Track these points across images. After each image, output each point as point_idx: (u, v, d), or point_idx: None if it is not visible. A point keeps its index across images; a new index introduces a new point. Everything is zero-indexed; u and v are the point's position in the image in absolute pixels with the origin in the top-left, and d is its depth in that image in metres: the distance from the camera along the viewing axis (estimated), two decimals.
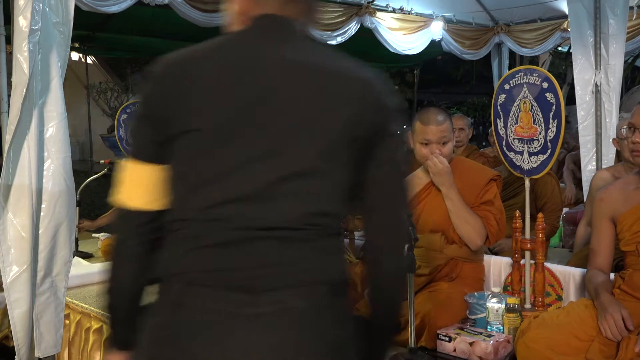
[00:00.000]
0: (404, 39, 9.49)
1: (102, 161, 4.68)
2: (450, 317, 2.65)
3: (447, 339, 2.54)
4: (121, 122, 4.93)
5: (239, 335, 1.19)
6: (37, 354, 2.35)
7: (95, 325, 2.79)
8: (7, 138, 2.21)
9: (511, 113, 2.81)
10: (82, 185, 4.48)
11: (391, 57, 10.12)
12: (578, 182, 5.94)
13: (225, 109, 1.25)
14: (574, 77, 5.34)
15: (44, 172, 2.30)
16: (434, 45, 9.91)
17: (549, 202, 3.88)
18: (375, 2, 8.76)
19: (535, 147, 2.74)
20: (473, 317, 2.71)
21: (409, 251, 2.50)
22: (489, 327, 2.62)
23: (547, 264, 2.88)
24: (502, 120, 2.87)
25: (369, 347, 1.41)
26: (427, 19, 9.54)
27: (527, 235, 2.82)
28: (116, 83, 11.32)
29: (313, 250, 1.26)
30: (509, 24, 10.39)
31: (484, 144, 12.09)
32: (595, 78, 5.21)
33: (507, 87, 2.82)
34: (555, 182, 4.00)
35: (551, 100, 2.64)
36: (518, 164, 2.84)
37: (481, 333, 2.54)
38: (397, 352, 2.57)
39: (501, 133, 2.89)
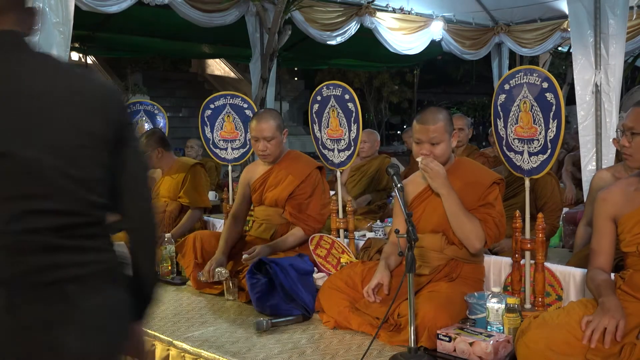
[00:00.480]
0: (404, 39, 9.48)
1: None
2: (450, 317, 2.65)
3: (447, 339, 2.54)
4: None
5: None
6: None
7: None
8: None
9: (511, 113, 2.82)
10: None
11: (391, 57, 10.13)
12: (578, 182, 5.94)
13: None
14: (574, 77, 5.34)
15: None
16: (434, 45, 9.92)
17: (549, 202, 3.88)
18: (375, 2, 8.75)
19: (535, 147, 2.74)
20: (473, 317, 2.71)
21: (408, 251, 2.52)
22: (489, 327, 2.62)
23: (547, 264, 2.88)
24: (502, 120, 2.87)
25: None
26: (427, 19, 9.54)
27: (527, 235, 2.82)
28: (116, 83, 11.31)
29: None
30: (509, 24, 10.39)
31: (484, 144, 12.11)
32: (595, 78, 5.21)
33: (507, 87, 2.83)
34: (555, 182, 4.00)
35: (551, 100, 2.65)
36: (518, 164, 2.84)
37: (481, 333, 2.54)
38: (398, 352, 2.57)
39: (501, 133, 2.89)
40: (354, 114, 3.39)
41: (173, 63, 13.51)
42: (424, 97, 16.46)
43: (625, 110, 5.27)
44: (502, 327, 2.59)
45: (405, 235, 2.51)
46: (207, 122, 4.13)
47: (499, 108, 2.87)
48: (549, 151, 2.69)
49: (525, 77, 2.74)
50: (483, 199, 2.87)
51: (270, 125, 3.51)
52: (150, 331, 2.94)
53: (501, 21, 10.38)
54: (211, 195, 5.33)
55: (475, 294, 2.77)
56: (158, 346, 2.90)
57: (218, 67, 14.47)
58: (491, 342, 2.45)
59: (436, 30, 9.63)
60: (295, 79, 17.01)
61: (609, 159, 5.18)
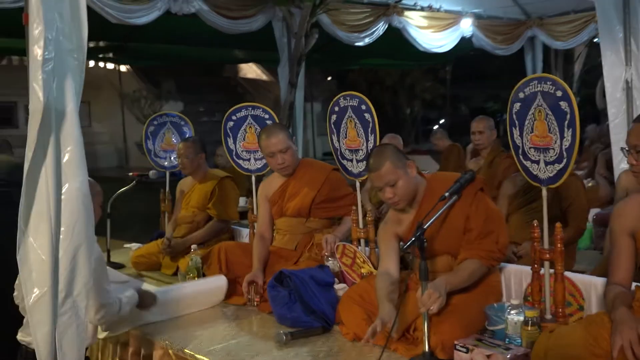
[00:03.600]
0: (433, 37, 9.41)
1: (130, 174, 4.78)
2: (466, 328, 2.64)
3: (464, 349, 2.53)
4: (148, 134, 5.02)
5: None
6: None
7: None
8: (25, 166, 2.28)
9: (527, 121, 2.78)
10: (112, 198, 4.60)
11: (422, 55, 10.03)
12: (612, 181, 5.82)
13: None
14: (604, 73, 5.22)
15: (62, 197, 2.37)
16: (464, 41, 9.82)
17: (574, 203, 3.81)
18: (403, 2, 8.70)
19: (551, 156, 2.70)
20: (492, 328, 2.69)
21: (421, 260, 2.53)
22: (507, 339, 2.60)
23: (568, 274, 2.84)
24: (517, 128, 2.83)
25: None
26: (456, 16, 9.45)
27: (546, 245, 2.79)
28: (150, 91, 11.52)
29: None
30: (541, 17, 10.21)
31: None
32: (625, 74, 5.08)
33: (521, 95, 2.79)
34: (580, 183, 3.93)
35: (565, 109, 2.60)
36: (535, 173, 2.80)
37: (499, 345, 2.52)
38: (413, 356, 2.58)
39: (517, 142, 2.85)
40: (370, 124, 3.40)
41: (205, 68, 13.67)
42: (459, 92, 16.31)
43: None
44: (520, 340, 2.56)
45: (416, 243, 2.52)
46: (230, 134, 4.18)
47: (514, 116, 2.84)
48: (564, 160, 2.64)
49: (539, 85, 2.70)
50: (470, 236, 2.82)
51: (281, 138, 3.55)
52: (170, 342, 3.01)
53: (533, 14, 10.20)
54: (242, 201, 5.38)
55: (495, 305, 2.74)
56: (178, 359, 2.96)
57: (250, 70, 14.59)
58: (509, 355, 2.43)
59: (466, 27, 9.53)
60: (329, 78, 17.01)
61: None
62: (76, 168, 2.42)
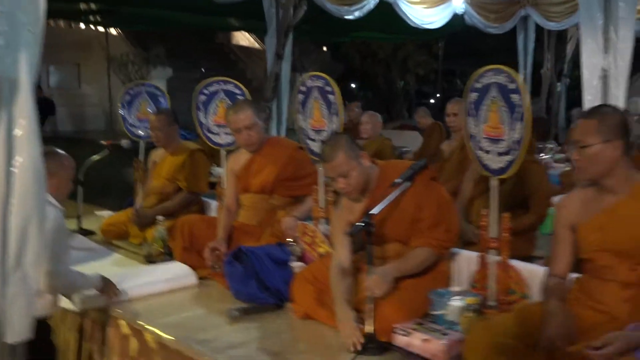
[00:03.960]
0: (424, 13, 9.36)
1: (102, 142, 4.80)
2: (409, 313, 2.71)
3: (403, 332, 2.60)
4: (124, 103, 5.03)
5: None
6: (8, 340, 2.50)
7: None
8: None
9: (482, 112, 2.81)
10: (84, 166, 4.64)
11: (414, 29, 9.94)
12: None
13: None
14: (582, 60, 5.23)
15: (14, 170, 2.40)
16: (456, 18, 9.76)
17: (536, 190, 3.84)
18: None
19: (501, 148, 2.73)
20: (435, 313, 2.75)
21: (368, 243, 2.59)
22: (447, 325, 2.66)
23: (515, 262, 2.89)
24: (473, 118, 2.86)
25: None
26: None
27: (494, 233, 2.84)
28: (138, 55, 11.44)
29: None
30: None
31: None
32: (603, 62, 5.09)
33: (478, 85, 2.81)
34: (541, 170, 3.96)
35: (517, 102, 2.63)
36: (486, 162, 2.84)
37: (438, 330, 2.59)
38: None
39: (472, 131, 2.89)
40: (334, 106, 3.42)
41: (197, 34, 13.55)
42: (453, 67, 16.27)
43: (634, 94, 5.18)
44: (459, 326, 2.63)
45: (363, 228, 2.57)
46: (202, 107, 4.19)
47: (471, 106, 2.86)
48: (514, 152, 2.68)
49: (495, 76, 2.72)
50: (421, 225, 2.86)
51: (248, 114, 3.58)
52: (123, 312, 3.07)
53: None
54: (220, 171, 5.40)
55: (441, 290, 2.80)
56: (132, 330, 3.02)
57: (243, 38, 14.48)
58: (444, 341, 2.50)
59: (458, 4, 9.47)
60: (325, 49, 16.90)
61: None
62: (29, 142, 2.44)
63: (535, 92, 12.56)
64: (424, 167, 2.88)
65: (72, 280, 2.91)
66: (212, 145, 4.25)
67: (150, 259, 3.93)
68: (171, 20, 9.92)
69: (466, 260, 3.10)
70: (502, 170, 2.77)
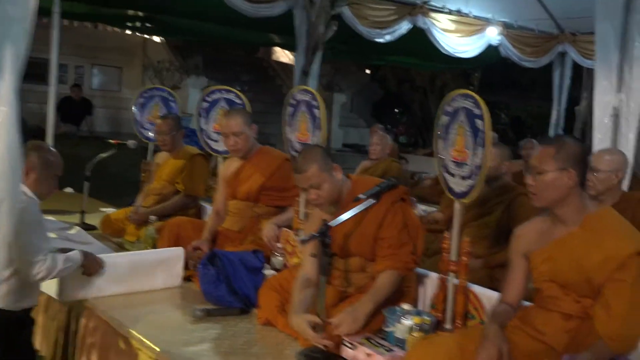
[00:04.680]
0: (458, 42, 9.36)
1: (111, 141, 4.98)
2: (364, 327, 2.73)
3: (350, 345, 2.63)
4: (138, 105, 5.21)
5: None
6: None
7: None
8: None
9: (451, 135, 2.84)
10: (92, 163, 4.81)
11: (449, 58, 9.97)
12: None
13: None
14: (595, 98, 5.18)
15: None
16: (491, 49, 9.75)
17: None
18: (431, 2, 8.67)
19: (465, 172, 2.76)
20: (386, 329, 2.77)
21: (323, 255, 2.63)
22: (396, 342, 2.68)
23: (474, 287, 2.90)
24: (443, 141, 2.90)
25: None
26: (484, 23, 9.37)
27: (454, 257, 2.85)
28: (174, 63, 11.76)
29: None
30: (574, 33, 10.04)
31: None
32: (615, 101, 5.04)
33: (449, 109, 2.85)
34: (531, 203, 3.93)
35: (480, 128, 2.66)
36: (451, 185, 2.87)
37: (383, 346, 2.61)
38: (305, 349, 2.70)
39: (442, 154, 2.92)
40: (317, 121, 3.49)
41: (238, 47, 13.82)
42: (491, 99, 16.06)
43: None
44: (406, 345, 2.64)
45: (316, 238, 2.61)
46: (203, 114, 4.32)
47: (442, 129, 2.90)
48: (475, 177, 2.70)
49: (463, 101, 2.75)
50: (383, 245, 2.86)
51: (238, 121, 3.68)
52: (94, 304, 3.18)
53: (567, 30, 10.04)
54: None
55: (395, 308, 2.81)
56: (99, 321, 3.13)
57: (283, 54, 14.71)
58: (387, 357, 2.52)
59: (492, 35, 9.45)
60: (368, 72, 17.02)
61: (624, 186, 5.01)
62: (6, 130, 2.59)
63: (569, 129, 12.39)
64: (393, 186, 2.91)
65: (55, 264, 2.86)
66: (211, 152, 4.37)
67: None
68: (211, 32, 10.18)
69: (430, 281, 3.11)
70: (464, 194, 2.80)
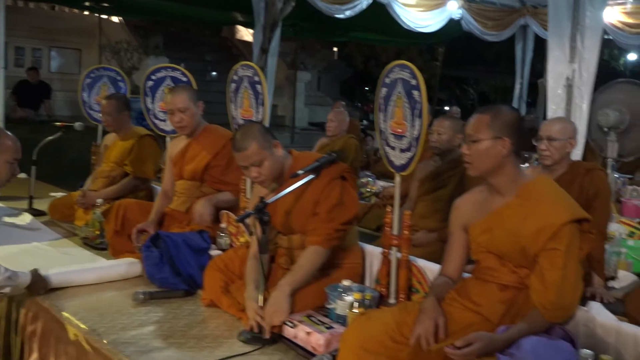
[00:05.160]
0: (419, 16, 9.32)
1: (57, 124, 4.84)
2: (307, 305, 2.69)
3: (290, 324, 2.59)
4: (85, 86, 5.08)
5: None
6: None
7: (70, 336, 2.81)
8: None
9: (389, 107, 2.79)
10: (38, 147, 4.68)
11: (412, 34, 9.92)
12: None
13: None
14: (548, 69, 5.17)
15: None
16: (453, 23, 9.71)
17: None
18: None
19: (404, 144, 2.71)
20: (328, 307, 2.74)
21: (263, 234, 2.58)
22: (337, 319, 2.64)
23: (417, 261, 2.87)
24: (382, 114, 2.84)
25: None
26: None
27: (396, 231, 2.82)
28: (133, 44, 11.51)
29: None
30: (536, 6, 10.05)
31: None
32: (568, 71, 5.04)
33: (387, 80, 2.79)
34: None
35: (417, 98, 2.61)
36: (392, 159, 2.82)
37: (323, 324, 2.57)
38: (244, 329, 2.65)
39: (382, 127, 2.87)
40: (260, 96, 3.41)
41: (202, 27, 13.58)
42: (459, 75, 16.14)
43: (597, 107, 5.12)
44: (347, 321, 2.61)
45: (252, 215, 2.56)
46: (149, 93, 4.21)
47: (381, 101, 2.84)
48: (413, 149, 2.66)
49: (400, 72, 2.70)
50: (316, 222, 2.81)
51: (183, 97, 3.59)
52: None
53: (528, 3, 10.04)
54: None
55: (337, 284, 2.77)
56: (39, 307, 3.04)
57: (247, 33, 14.49)
58: (325, 334, 2.48)
59: (453, 9, 9.41)
60: (335, 49, 16.88)
61: (576, 155, 5.02)
62: None
63: (532, 102, 12.45)
64: (332, 161, 2.85)
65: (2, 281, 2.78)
66: (157, 132, 4.27)
67: (86, 242, 3.96)
68: (170, 11, 9.96)
69: (376, 257, 3.07)
70: (403, 167, 2.75)
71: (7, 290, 2.86)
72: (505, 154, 2.30)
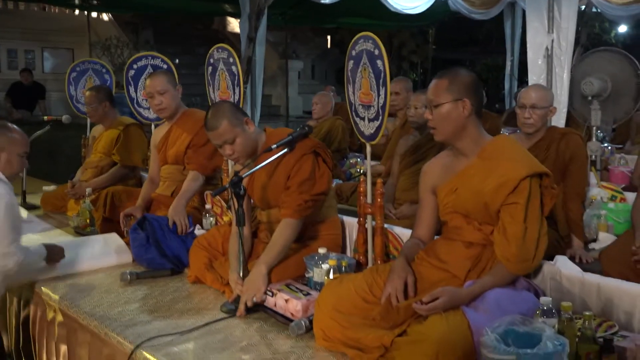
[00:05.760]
0: None
1: (45, 118, 4.92)
2: (281, 276, 2.77)
3: (270, 293, 2.68)
4: (71, 80, 5.15)
5: None
6: None
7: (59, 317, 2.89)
8: None
9: (357, 79, 2.86)
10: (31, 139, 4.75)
11: (402, 16, 9.92)
12: None
13: None
14: (527, 40, 5.23)
15: None
16: (440, 3, 9.71)
17: None
18: None
19: (371, 114, 2.78)
20: (307, 275, 2.81)
21: (239, 207, 2.65)
22: (316, 286, 2.72)
23: (393, 227, 2.94)
24: (351, 85, 2.91)
25: None
26: None
27: (369, 199, 2.89)
28: (123, 40, 11.56)
29: None
30: None
31: (497, 106, 11.80)
32: (547, 41, 5.09)
33: (354, 53, 2.86)
34: None
35: (380, 68, 2.68)
36: (362, 129, 2.89)
37: (301, 291, 2.65)
38: (227, 301, 2.74)
39: (351, 99, 2.94)
40: (236, 77, 3.48)
41: (193, 20, 13.61)
42: (449, 56, 16.15)
43: (578, 76, 5.16)
44: None
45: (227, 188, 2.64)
46: (131, 82, 4.29)
47: (349, 74, 2.91)
48: (380, 118, 2.73)
49: (365, 43, 2.76)
50: (287, 191, 2.87)
51: (161, 79, 3.66)
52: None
53: None
54: None
55: (314, 254, 2.84)
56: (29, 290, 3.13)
57: (238, 24, 14.51)
58: (302, 300, 2.56)
59: None
60: (329, 37, 16.88)
61: (559, 124, 5.08)
62: None
63: (523, 79, 12.44)
64: (305, 135, 2.92)
65: (24, 258, 2.80)
66: (142, 120, 4.34)
67: (78, 231, 4.04)
68: (160, 4, 10.01)
69: (353, 227, 3.15)
70: (372, 137, 2.82)
71: (35, 258, 2.93)
72: (467, 114, 2.36)
